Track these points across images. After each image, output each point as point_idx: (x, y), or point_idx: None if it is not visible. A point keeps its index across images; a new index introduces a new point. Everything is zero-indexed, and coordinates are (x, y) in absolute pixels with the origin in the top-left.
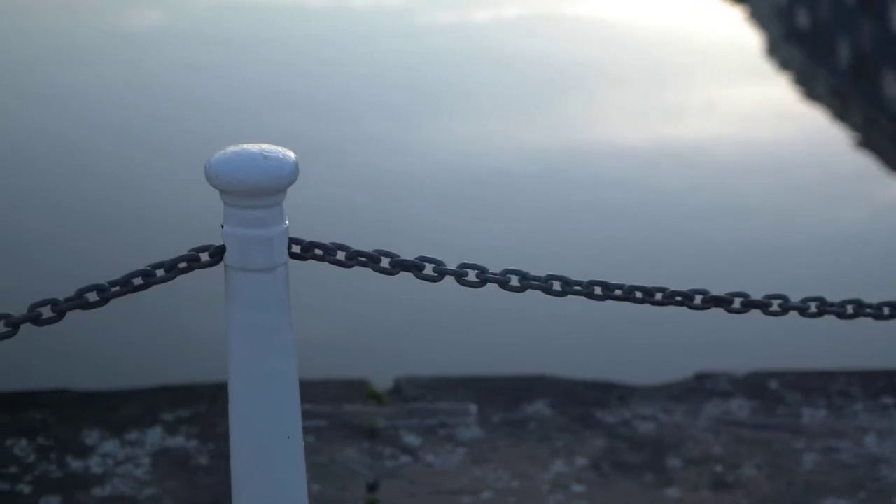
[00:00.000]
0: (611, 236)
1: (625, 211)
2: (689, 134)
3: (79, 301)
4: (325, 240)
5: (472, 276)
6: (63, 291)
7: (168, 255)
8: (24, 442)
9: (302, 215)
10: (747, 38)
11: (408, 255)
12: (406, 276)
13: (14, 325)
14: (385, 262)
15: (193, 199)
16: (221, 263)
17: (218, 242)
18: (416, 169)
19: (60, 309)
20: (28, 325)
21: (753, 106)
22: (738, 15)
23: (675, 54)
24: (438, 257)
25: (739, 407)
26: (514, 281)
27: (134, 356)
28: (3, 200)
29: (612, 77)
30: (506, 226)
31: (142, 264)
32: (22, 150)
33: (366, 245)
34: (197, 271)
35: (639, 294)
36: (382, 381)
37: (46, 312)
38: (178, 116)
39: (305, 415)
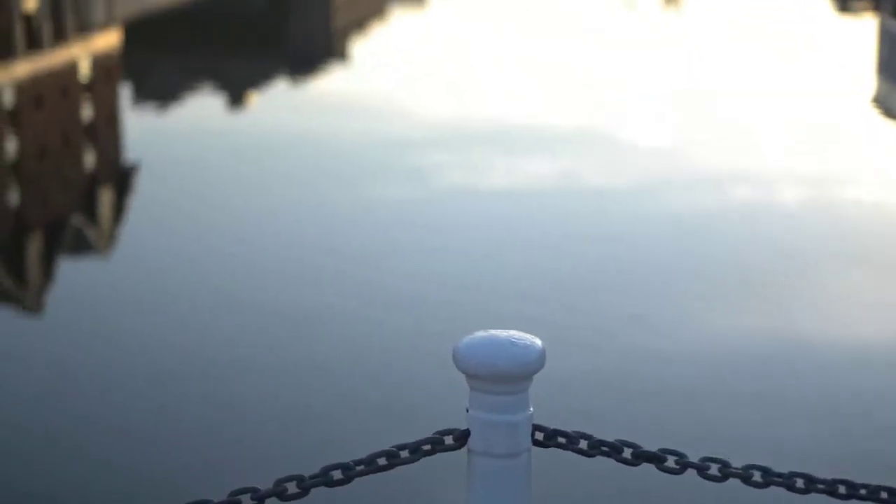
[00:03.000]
0: (851, 430)
1: (865, 405)
2: None
3: (323, 478)
4: (568, 425)
5: (713, 469)
6: (308, 467)
7: (412, 435)
8: None
9: (546, 398)
10: None
11: (650, 444)
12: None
13: (260, 499)
14: (627, 453)
15: (439, 381)
16: (464, 447)
17: (462, 425)
18: (662, 355)
19: (305, 485)
20: (273, 499)
21: None
22: None
23: None
24: (680, 448)
25: None
26: (757, 476)
27: None
28: (256, 373)
29: (843, 265)
30: (745, 417)
31: (386, 444)
32: (272, 329)
33: (608, 432)
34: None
35: (884, 494)
36: None
37: (292, 488)
38: (425, 299)
39: None
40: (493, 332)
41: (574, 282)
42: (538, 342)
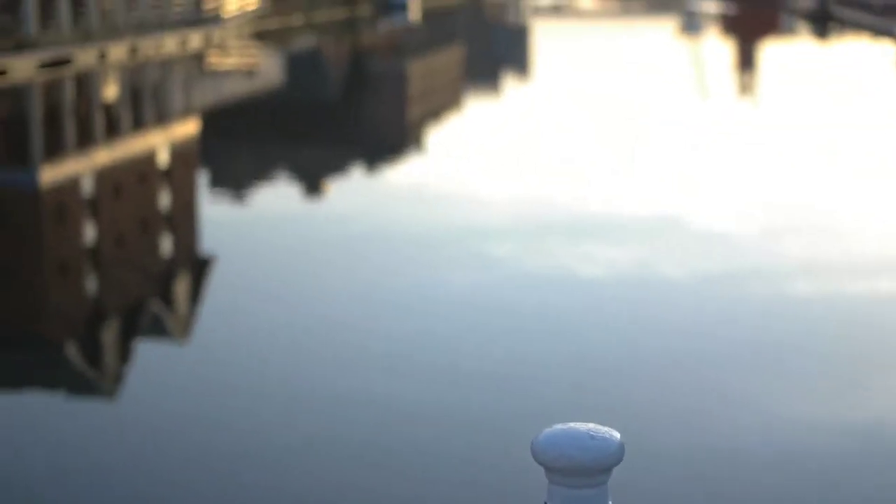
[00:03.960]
0: None
1: None
2: None
3: None
4: None
5: None
6: None
7: None
8: None
9: (624, 490)
10: None
11: None
12: None
13: None
14: None
15: (515, 474)
16: None
17: None
18: (738, 446)
19: None
20: None
21: None
22: None
23: None
24: None
25: None
26: None
27: None
28: (328, 459)
29: None
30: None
31: None
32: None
33: None
34: None
35: None
36: None
37: None
38: (501, 388)
39: None
40: (571, 425)
41: (654, 371)
42: (616, 435)
